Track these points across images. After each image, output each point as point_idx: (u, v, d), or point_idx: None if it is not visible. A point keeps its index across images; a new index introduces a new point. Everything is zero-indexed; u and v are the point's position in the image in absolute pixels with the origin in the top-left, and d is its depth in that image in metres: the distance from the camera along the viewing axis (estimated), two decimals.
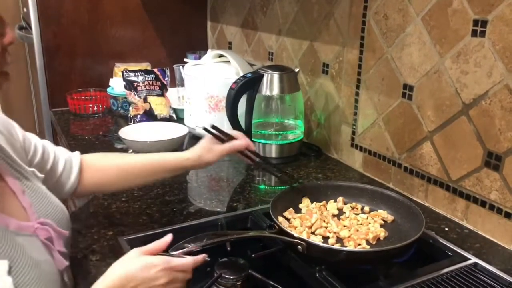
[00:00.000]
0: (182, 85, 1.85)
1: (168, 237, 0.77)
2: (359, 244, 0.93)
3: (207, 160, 1.05)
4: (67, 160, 0.97)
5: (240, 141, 1.07)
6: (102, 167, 1.02)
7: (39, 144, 0.92)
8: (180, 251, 0.78)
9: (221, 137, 1.06)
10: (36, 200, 0.78)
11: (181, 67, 1.88)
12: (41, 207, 0.78)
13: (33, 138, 0.91)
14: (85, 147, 1.58)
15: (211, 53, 1.69)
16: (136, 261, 0.72)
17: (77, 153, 1.02)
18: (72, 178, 0.97)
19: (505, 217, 1.01)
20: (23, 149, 0.86)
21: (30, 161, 0.88)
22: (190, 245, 0.80)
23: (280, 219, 1.00)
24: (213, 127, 1.06)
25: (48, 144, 0.95)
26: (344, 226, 1.00)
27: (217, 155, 1.06)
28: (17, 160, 0.81)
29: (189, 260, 0.75)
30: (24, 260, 0.66)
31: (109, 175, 1.02)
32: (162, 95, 1.85)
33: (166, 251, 0.77)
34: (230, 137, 1.07)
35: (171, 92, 1.92)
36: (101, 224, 1.07)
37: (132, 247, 0.94)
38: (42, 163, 0.91)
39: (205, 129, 1.06)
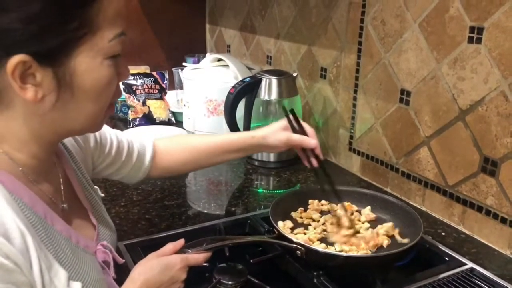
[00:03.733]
0: (181, 88, 1.85)
1: (182, 241, 0.82)
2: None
3: (270, 143, 1.00)
4: (140, 148, 0.97)
5: (312, 139, 0.97)
6: (172, 151, 1.02)
7: (113, 136, 0.92)
8: (195, 248, 0.81)
9: (294, 125, 0.99)
10: (100, 220, 0.78)
11: (180, 70, 1.88)
12: (102, 228, 0.78)
13: (107, 130, 0.92)
14: None
15: (209, 57, 1.70)
16: (155, 265, 0.74)
17: (150, 139, 1.02)
18: (145, 164, 0.98)
19: (501, 223, 1.02)
20: (97, 149, 0.88)
21: (106, 156, 0.90)
22: (189, 250, 0.81)
23: (280, 224, 1.00)
24: (292, 111, 0.99)
25: (120, 134, 0.95)
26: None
27: (283, 142, 0.99)
28: (88, 178, 0.82)
29: (202, 256, 0.80)
30: (91, 279, 0.67)
31: (178, 159, 1.03)
32: (161, 98, 1.86)
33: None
34: (302, 130, 0.99)
35: (170, 95, 1.93)
36: None
37: (131, 253, 0.96)
38: (117, 155, 0.92)
39: (283, 108, 1.00)
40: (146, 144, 0.99)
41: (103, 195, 0.89)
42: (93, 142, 0.86)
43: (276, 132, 1.00)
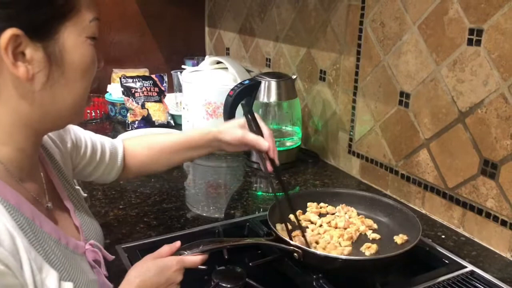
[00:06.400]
0: (180, 90, 1.85)
1: (178, 243, 0.81)
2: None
3: (225, 138, 0.98)
4: (111, 149, 0.98)
5: (265, 141, 0.95)
6: (135, 151, 1.02)
7: (87, 138, 0.93)
8: (191, 250, 0.80)
9: (252, 125, 0.97)
10: (83, 220, 0.78)
11: (179, 73, 1.88)
12: (87, 228, 0.78)
13: (81, 132, 0.92)
14: None
15: (208, 59, 1.69)
16: (151, 267, 0.74)
17: (119, 140, 1.02)
18: (117, 164, 0.98)
19: (501, 225, 1.01)
20: (74, 150, 0.88)
21: (81, 158, 0.91)
22: (186, 252, 0.80)
23: (278, 226, 1.00)
24: (250, 111, 0.98)
25: (93, 135, 0.96)
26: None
27: (237, 139, 0.97)
28: (69, 179, 0.82)
29: (198, 258, 0.79)
30: (83, 280, 0.66)
31: (145, 158, 1.03)
32: (160, 101, 1.86)
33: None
34: (259, 131, 0.97)
35: (169, 98, 1.93)
36: None
37: (129, 256, 0.95)
38: (92, 156, 0.93)
39: (242, 105, 1.00)
40: (117, 145, 1.00)
41: (85, 195, 0.89)
42: (70, 143, 0.87)
43: (232, 128, 0.98)
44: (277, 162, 0.96)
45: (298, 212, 1.07)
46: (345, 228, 1.01)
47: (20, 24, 0.57)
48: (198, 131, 1.03)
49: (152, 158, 1.03)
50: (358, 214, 1.07)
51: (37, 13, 0.58)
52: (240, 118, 1.01)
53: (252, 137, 0.96)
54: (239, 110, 1.44)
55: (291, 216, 1.01)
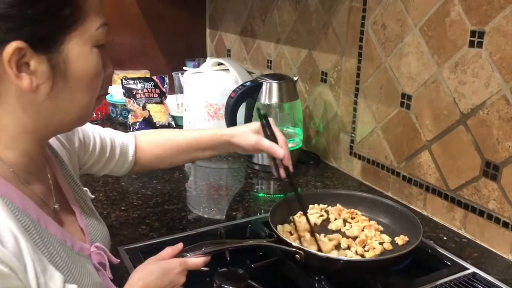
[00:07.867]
0: (181, 92, 1.85)
1: (180, 245, 0.81)
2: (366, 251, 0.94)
3: (238, 142, 0.97)
4: (122, 144, 0.98)
5: (280, 148, 0.94)
6: (153, 145, 1.03)
7: (96, 134, 0.93)
8: (194, 252, 0.80)
9: (267, 131, 0.96)
10: (90, 222, 0.78)
11: (180, 74, 1.88)
12: (93, 230, 0.78)
13: (89, 129, 0.92)
14: None
15: (210, 61, 1.70)
16: (154, 269, 0.74)
17: (132, 134, 1.03)
18: (128, 159, 0.99)
19: (503, 227, 1.01)
20: (82, 149, 0.88)
21: (90, 156, 0.91)
22: (188, 254, 0.80)
23: (279, 227, 1.00)
24: (265, 117, 0.96)
25: (102, 131, 0.96)
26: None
27: (251, 145, 0.96)
28: (76, 180, 0.82)
29: (201, 260, 0.79)
30: (88, 283, 0.66)
31: (159, 153, 1.03)
32: (161, 102, 1.86)
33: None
34: (274, 137, 0.96)
35: (170, 99, 1.93)
36: None
37: (131, 257, 0.95)
38: (101, 153, 0.93)
39: (257, 110, 0.98)
40: (129, 140, 1.00)
41: (93, 196, 0.89)
42: (77, 142, 0.87)
43: (246, 133, 0.97)
44: (291, 169, 0.95)
45: (299, 213, 1.07)
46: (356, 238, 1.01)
47: (24, 36, 0.56)
48: (210, 132, 1.03)
49: (164, 155, 1.03)
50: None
51: (42, 25, 0.57)
52: (253, 123, 1.00)
53: (267, 144, 0.95)
54: (240, 111, 1.44)
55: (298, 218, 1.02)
